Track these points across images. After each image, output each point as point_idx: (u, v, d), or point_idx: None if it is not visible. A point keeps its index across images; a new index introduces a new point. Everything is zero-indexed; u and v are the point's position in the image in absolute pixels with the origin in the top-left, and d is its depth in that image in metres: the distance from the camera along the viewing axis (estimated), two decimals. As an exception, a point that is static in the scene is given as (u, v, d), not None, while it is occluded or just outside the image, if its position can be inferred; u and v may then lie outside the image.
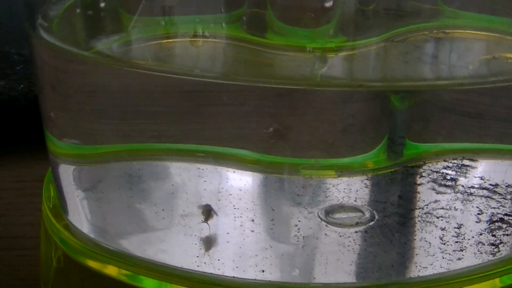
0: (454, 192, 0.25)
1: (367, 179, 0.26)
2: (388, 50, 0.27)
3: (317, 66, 0.25)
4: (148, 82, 0.24)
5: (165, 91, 0.25)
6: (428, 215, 0.25)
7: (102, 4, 0.26)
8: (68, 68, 0.25)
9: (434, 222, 0.25)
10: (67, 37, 0.26)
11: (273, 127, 0.25)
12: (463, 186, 0.26)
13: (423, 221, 0.25)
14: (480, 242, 0.24)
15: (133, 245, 0.25)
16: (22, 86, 0.39)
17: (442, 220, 0.25)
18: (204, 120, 0.25)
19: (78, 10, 0.27)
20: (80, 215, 0.26)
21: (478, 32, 0.28)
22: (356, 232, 0.24)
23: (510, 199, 0.26)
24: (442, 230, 0.24)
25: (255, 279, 0.23)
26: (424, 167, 0.26)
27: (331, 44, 0.26)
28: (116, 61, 0.25)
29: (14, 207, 0.35)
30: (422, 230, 0.25)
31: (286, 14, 0.27)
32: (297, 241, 0.24)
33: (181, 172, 0.26)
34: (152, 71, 0.24)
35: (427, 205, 0.25)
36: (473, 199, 0.25)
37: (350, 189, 0.26)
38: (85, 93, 0.26)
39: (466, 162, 0.26)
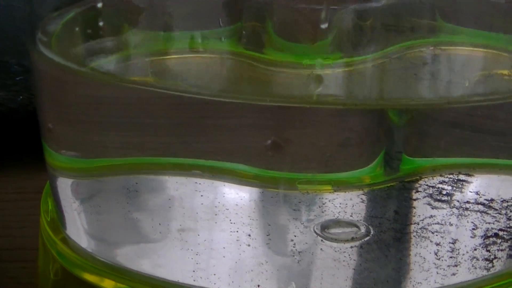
0: (450, 207, 0.25)
1: (363, 194, 0.26)
2: (385, 67, 0.27)
3: (313, 85, 0.25)
4: (145, 95, 0.24)
5: (162, 105, 0.25)
6: (423, 230, 0.25)
7: (101, 20, 0.26)
8: (67, 82, 0.26)
9: (429, 237, 0.25)
10: (65, 52, 0.26)
11: (271, 140, 0.25)
12: (458, 201, 0.26)
13: (418, 236, 0.25)
14: (475, 258, 0.24)
15: (130, 259, 0.25)
16: (21, 97, 0.39)
17: (437, 235, 0.25)
18: (201, 133, 0.25)
19: (76, 25, 0.27)
20: (78, 228, 0.26)
21: (476, 49, 0.28)
22: (351, 247, 0.24)
23: (505, 214, 0.26)
24: (437, 245, 0.24)
25: (250, 294, 0.23)
26: (420, 182, 0.26)
27: (327, 61, 0.26)
28: (114, 78, 0.26)
29: (15, 218, 0.34)
30: (417, 245, 0.25)
31: (284, 28, 0.27)
32: (293, 256, 0.24)
33: (178, 186, 0.26)
34: (149, 87, 0.24)
35: (422, 220, 0.25)
36: (468, 214, 0.25)
37: (346, 204, 0.26)
38: (83, 106, 0.26)
39: (462, 177, 0.26)
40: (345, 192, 0.26)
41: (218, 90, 0.26)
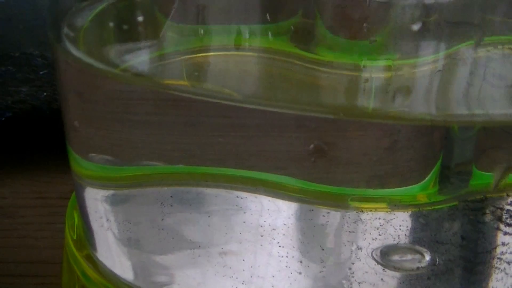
0: (524, 233, 0.23)
1: (422, 215, 0.23)
2: (450, 71, 0.24)
3: (368, 92, 0.22)
4: (180, 99, 0.22)
5: (198, 108, 0.22)
6: (497, 260, 0.22)
7: (137, 12, 0.24)
8: (96, 82, 0.23)
9: (504, 269, 0.22)
10: (95, 50, 0.23)
11: (313, 144, 0.22)
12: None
13: (492, 267, 0.22)
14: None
15: (165, 286, 0.22)
16: (45, 93, 0.37)
17: (513, 267, 0.22)
18: (238, 134, 0.23)
19: (108, 19, 0.25)
20: (107, 248, 0.23)
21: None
22: (417, 278, 0.22)
23: None
24: (514, 279, 0.22)
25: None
26: (486, 203, 0.23)
27: (385, 62, 0.23)
28: (148, 81, 0.23)
29: (34, 227, 0.32)
30: (491, 278, 0.22)
31: (336, 24, 0.25)
32: (351, 287, 0.21)
33: (217, 201, 0.24)
34: (187, 93, 0.22)
35: (494, 248, 0.22)
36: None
37: (407, 227, 0.23)
38: (113, 105, 0.23)
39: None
40: (403, 211, 0.23)
41: (265, 101, 0.23)
